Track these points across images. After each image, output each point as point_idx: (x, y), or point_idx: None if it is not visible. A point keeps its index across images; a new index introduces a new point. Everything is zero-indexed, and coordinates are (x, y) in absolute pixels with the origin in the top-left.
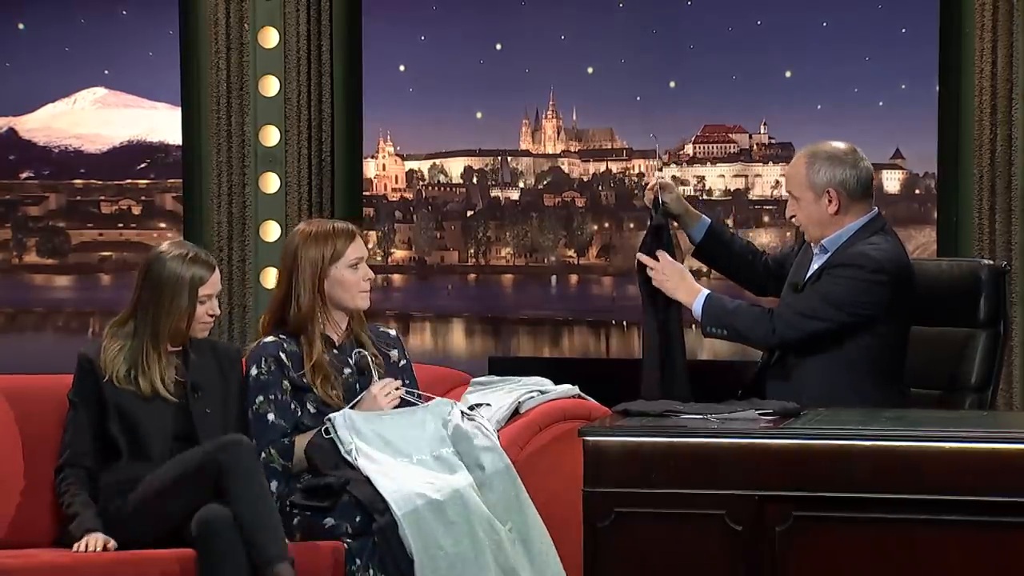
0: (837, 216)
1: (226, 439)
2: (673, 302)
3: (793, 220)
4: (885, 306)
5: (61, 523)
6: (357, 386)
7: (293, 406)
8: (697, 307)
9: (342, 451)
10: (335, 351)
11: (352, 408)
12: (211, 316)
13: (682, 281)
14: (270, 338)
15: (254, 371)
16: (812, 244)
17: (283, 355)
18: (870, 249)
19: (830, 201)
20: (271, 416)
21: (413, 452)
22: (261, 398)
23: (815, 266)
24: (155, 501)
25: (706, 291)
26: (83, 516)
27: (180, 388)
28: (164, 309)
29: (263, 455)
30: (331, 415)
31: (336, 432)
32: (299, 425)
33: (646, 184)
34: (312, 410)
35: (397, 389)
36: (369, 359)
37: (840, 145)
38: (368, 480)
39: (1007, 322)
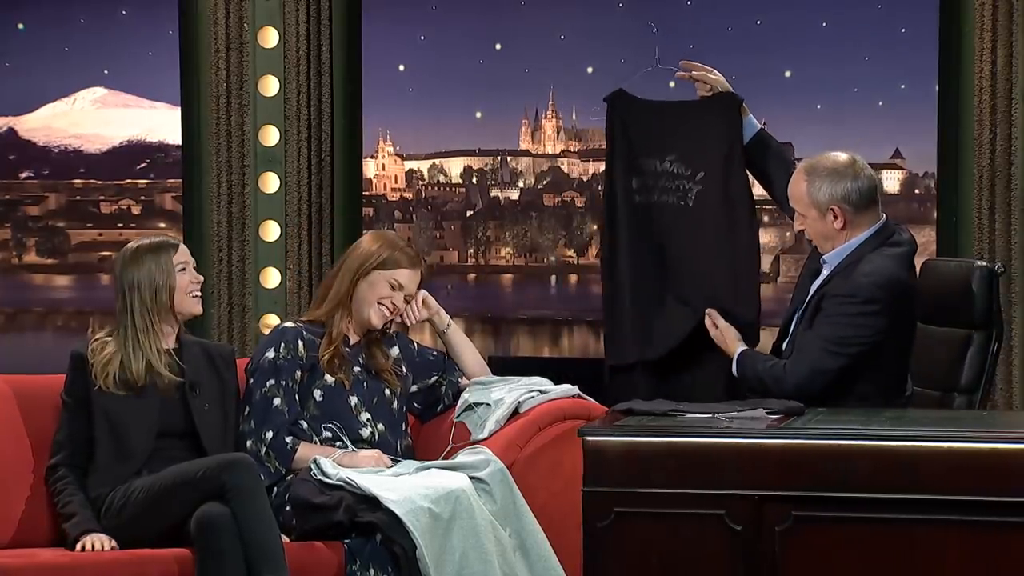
0: (844, 230)
1: (229, 458)
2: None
3: (804, 234)
4: (884, 329)
5: (61, 523)
6: (365, 384)
7: (297, 400)
8: (738, 353)
9: (329, 482)
10: (347, 348)
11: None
12: (195, 284)
13: (735, 340)
14: (290, 324)
15: (271, 353)
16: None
17: (301, 342)
18: (861, 277)
19: (835, 217)
20: (277, 401)
21: (401, 470)
22: (272, 382)
23: (818, 279)
24: (152, 505)
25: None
26: (81, 516)
27: (175, 385)
28: (148, 297)
29: (261, 450)
30: (317, 457)
31: (321, 469)
32: (306, 405)
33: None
34: (319, 397)
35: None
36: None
37: (839, 157)
38: (364, 495)
39: (1000, 323)
